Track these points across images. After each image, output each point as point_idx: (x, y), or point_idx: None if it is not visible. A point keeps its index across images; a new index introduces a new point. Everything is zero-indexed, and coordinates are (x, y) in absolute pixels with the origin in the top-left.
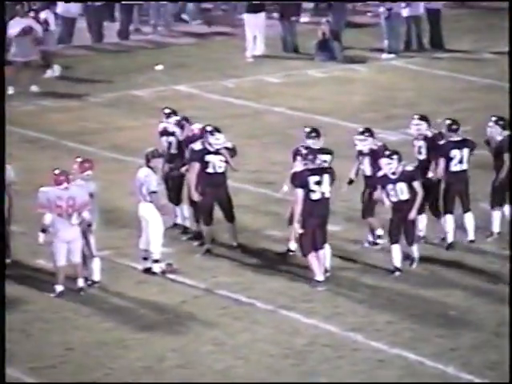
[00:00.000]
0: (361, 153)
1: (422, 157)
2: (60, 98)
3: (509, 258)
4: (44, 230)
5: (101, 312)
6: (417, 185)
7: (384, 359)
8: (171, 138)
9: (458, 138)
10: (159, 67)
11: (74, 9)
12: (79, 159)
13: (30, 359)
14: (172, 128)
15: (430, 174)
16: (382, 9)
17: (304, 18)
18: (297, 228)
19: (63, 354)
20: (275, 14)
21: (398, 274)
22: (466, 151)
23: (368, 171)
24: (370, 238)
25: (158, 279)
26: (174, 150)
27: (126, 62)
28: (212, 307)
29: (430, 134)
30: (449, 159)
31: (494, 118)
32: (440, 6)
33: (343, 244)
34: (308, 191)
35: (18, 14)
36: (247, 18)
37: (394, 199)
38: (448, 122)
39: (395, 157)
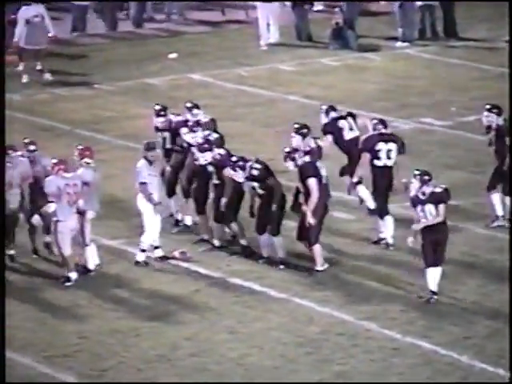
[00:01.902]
0: None
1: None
2: (74, 87)
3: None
4: (42, 216)
5: (114, 301)
6: (441, 208)
7: (398, 347)
8: (165, 134)
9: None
10: (173, 55)
11: None
12: (80, 146)
13: (45, 348)
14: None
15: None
16: None
17: (317, 6)
18: (310, 218)
19: (77, 342)
20: (288, 2)
21: (433, 300)
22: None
23: None
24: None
25: (172, 268)
26: (168, 145)
27: (140, 51)
28: (226, 296)
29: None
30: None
31: (487, 107)
32: None
33: (356, 233)
34: (319, 179)
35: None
36: (261, 6)
37: (424, 220)
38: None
39: (419, 177)
